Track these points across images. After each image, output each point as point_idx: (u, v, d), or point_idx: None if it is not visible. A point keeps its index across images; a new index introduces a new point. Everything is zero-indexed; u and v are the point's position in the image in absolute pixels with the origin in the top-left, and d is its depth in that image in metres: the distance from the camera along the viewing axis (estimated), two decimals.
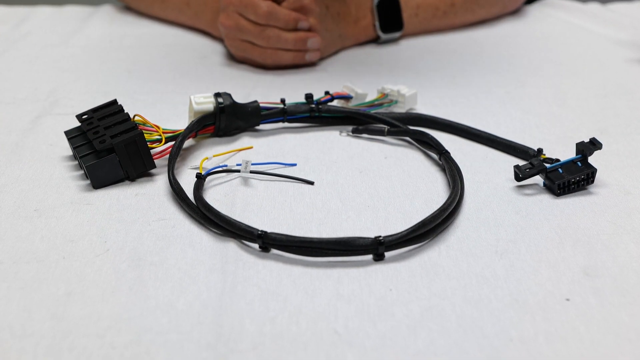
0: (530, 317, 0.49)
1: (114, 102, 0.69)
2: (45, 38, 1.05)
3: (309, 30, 0.92)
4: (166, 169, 0.65)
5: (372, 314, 0.49)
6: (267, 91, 0.86)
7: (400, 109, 0.80)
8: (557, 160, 0.65)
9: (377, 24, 1.02)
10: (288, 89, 0.87)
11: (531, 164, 0.64)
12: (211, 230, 0.58)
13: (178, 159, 0.68)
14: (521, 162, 0.66)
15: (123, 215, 0.60)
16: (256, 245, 0.56)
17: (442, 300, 0.50)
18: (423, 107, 0.81)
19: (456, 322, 0.48)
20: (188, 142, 0.72)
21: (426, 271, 0.53)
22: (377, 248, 0.54)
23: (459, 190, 0.61)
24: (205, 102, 0.72)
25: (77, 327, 0.47)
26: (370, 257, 0.55)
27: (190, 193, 0.61)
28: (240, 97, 0.79)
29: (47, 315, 0.48)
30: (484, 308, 0.49)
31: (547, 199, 0.63)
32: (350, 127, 0.76)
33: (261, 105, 0.75)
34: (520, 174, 0.64)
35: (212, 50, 1.00)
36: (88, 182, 0.64)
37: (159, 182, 0.65)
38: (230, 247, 0.56)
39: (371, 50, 1.02)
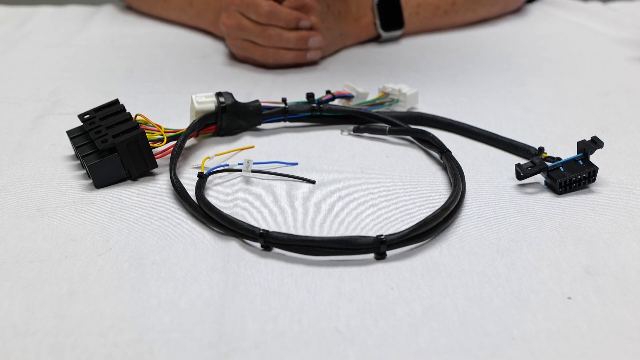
0: (532, 316, 0.49)
1: (116, 101, 0.69)
2: (47, 38, 1.05)
3: (311, 29, 0.92)
4: (168, 168, 0.65)
5: (373, 312, 0.49)
6: (268, 90, 0.86)
7: (401, 108, 0.80)
8: (559, 158, 0.65)
9: (377, 22, 1.02)
10: (289, 88, 0.87)
11: (532, 163, 0.64)
12: (213, 230, 0.58)
13: (180, 159, 0.68)
14: (522, 161, 0.66)
15: (125, 215, 0.60)
16: (258, 245, 0.56)
17: (443, 299, 0.50)
18: (424, 106, 0.81)
19: (458, 320, 0.48)
20: (190, 142, 0.72)
21: (428, 270, 0.53)
22: (378, 247, 0.54)
23: (460, 189, 0.62)
24: (207, 102, 0.72)
25: (79, 325, 0.47)
26: (371, 255, 0.55)
27: (192, 192, 0.61)
28: (242, 97, 0.79)
29: (49, 314, 0.48)
30: (485, 306, 0.50)
31: (548, 197, 0.63)
32: (351, 126, 0.76)
33: (262, 104, 0.75)
34: (521, 173, 0.64)
35: (213, 49, 1.00)
36: (90, 181, 0.65)
37: (161, 182, 0.65)
38: (232, 246, 0.56)
39: (372, 50, 1.02)
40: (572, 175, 0.63)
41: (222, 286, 0.51)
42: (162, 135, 0.67)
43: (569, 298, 0.50)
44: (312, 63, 0.95)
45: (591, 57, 0.99)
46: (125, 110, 0.68)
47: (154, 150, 0.66)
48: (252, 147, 0.72)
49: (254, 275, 0.53)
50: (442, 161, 0.68)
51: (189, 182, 0.64)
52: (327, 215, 0.61)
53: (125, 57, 0.97)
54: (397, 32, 1.04)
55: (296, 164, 0.69)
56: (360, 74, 0.93)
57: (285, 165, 0.69)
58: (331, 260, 0.54)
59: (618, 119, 0.79)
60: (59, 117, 0.78)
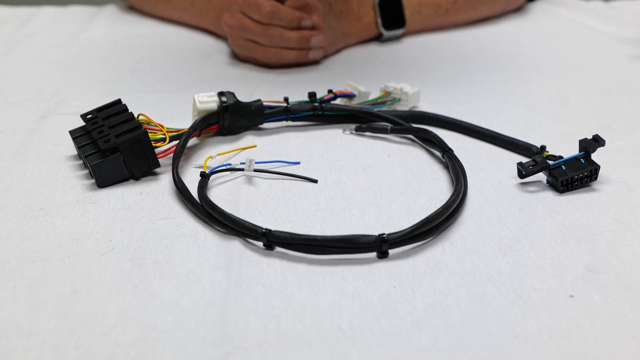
0: (534, 314, 0.49)
1: (118, 101, 0.70)
2: (50, 38, 1.05)
3: (312, 28, 0.92)
4: (170, 167, 0.65)
5: (376, 311, 0.49)
6: (270, 90, 0.86)
7: (403, 107, 0.80)
8: (560, 157, 0.65)
9: (379, 21, 1.02)
10: (291, 87, 0.87)
11: (534, 161, 0.64)
12: (215, 229, 0.58)
13: (182, 158, 0.68)
14: (524, 160, 0.66)
15: (128, 214, 0.60)
16: (260, 244, 0.56)
17: (445, 297, 0.50)
18: (426, 105, 0.81)
19: (460, 319, 0.48)
20: (192, 141, 0.72)
21: (430, 268, 0.53)
22: (381, 246, 0.54)
23: (462, 187, 0.62)
24: (209, 101, 0.72)
25: (82, 325, 0.47)
26: (374, 254, 0.55)
27: (194, 192, 0.62)
28: (244, 96, 0.79)
29: (53, 313, 0.48)
30: (487, 305, 0.50)
31: (550, 196, 0.63)
32: (353, 126, 0.76)
33: (265, 104, 0.75)
34: (523, 171, 0.64)
35: (215, 49, 1.00)
36: (93, 181, 0.65)
37: (164, 181, 0.65)
38: (235, 246, 0.56)
39: (374, 49, 1.02)
40: (574, 173, 0.63)
41: (225, 285, 0.51)
42: (164, 134, 0.67)
43: (571, 296, 0.50)
44: (314, 62, 0.95)
45: (592, 56, 0.99)
46: (127, 110, 0.68)
47: (157, 150, 0.66)
48: (254, 146, 0.72)
49: (256, 275, 0.53)
50: (444, 160, 0.68)
51: (192, 181, 0.64)
52: (329, 214, 0.61)
53: (128, 57, 0.97)
54: (399, 31, 1.04)
55: (298, 163, 0.69)
56: (362, 73, 0.93)
57: (287, 164, 0.69)
58: (333, 259, 0.54)
59: (619, 118, 0.79)
60: (62, 117, 0.78)
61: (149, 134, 0.65)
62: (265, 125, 0.76)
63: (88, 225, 0.58)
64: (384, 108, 0.79)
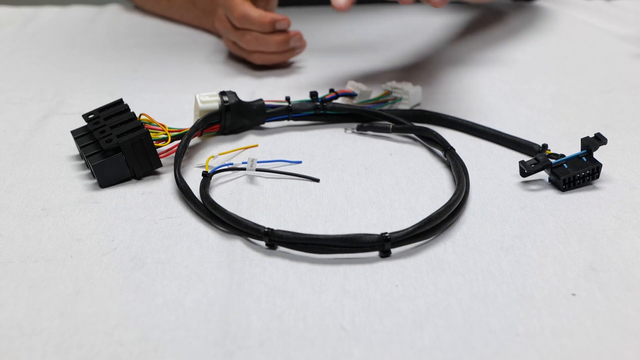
0: (537, 312, 0.49)
1: (120, 101, 0.70)
2: (51, 38, 1.05)
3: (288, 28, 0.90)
4: (172, 167, 0.65)
5: (378, 309, 0.49)
6: (271, 89, 0.86)
7: (404, 105, 0.80)
8: (562, 155, 0.65)
9: None
10: (293, 87, 0.87)
11: (536, 160, 0.64)
12: (218, 228, 0.58)
13: (184, 158, 0.68)
14: (526, 158, 0.66)
15: (130, 214, 0.60)
16: (263, 243, 0.56)
17: (448, 296, 0.50)
18: (427, 104, 0.81)
19: (462, 317, 0.48)
20: (194, 141, 0.72)
21: (432, 267, 0.53)
22: (383, 245, 0.54)
23: (465, 186, 0.62)
24: (211, 101, 0.72)
25: (85, 325, 0.48)
26: (376, 253, 0.55)
27: (196, 191, 0.62)
28: (246, 96, 0.79)
29: (55, 313, 0.49)
30: (490, 303, 0.50)
31: (552, 194, 0.63)
32: (355, 125, 0.76)
33: (266, 103, 0.75)
34: (525, 170, 0.64)
35: (217, 49, 1.00)
36: (95, 181, 0.65)
37: (166, 181, 0.65)
38: (237, 245, 0.56)
39: (375, 48, 1.02)
40: (576, 172, 0.63)
41: (227, 284, 0.52)
42: (166, 134, 0.67)
43: (573, 294, 0.50)
44: (314, 63, 0.95)
45: (594, 54, 0.99)
46: (129, 109, 0.68)
47: (158, 150, 0.66)
48: (256, 145, 0.72)
49: (258, 274, 0.53)
50: (445, 159, 0.68)
51: (194, 181, 0.64)
52: (331, 213, 0.61)
53: (129, 57, 0.97)
54: None
55: (300, 162, 0.69)
56: (364, 72, 0.93)
57: (289, 163, 0.69)
58: (336, 258, 0.54)
59: (621, 116, 0.79)
60: (64, 117, 0.78)
61: (151, 133, 0.65)
62: (266, 124, 0.76)
63: (90, 225, 0.59)
64: (386, 107, 0.79)
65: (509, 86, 0.87)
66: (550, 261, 0.54)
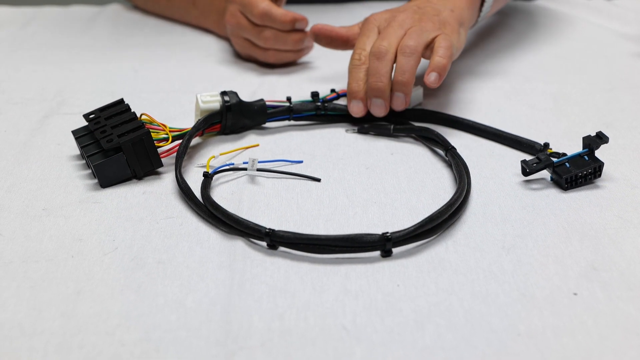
0: (538, 312, 0.49)
1: (121, 101, 0.70)
2: (52, 38, 1.05)
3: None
4: (173, 167, 0.65)
5: (379, 309, 0.49)
6: (273, 89, 0.86)
7: None
8: (564, 154, 0.65)
9: None
10: (294, 87, 0.87)
11: (538, 159, 0.64)
12: (219, 228, 0.58)
13: (185, 158, 0.68)
14: (528, 157, 0.66)
15: (131, 214, 0.60)
16: (264, 243, 0.56)
17: (449, 296, 0.50)
18: (428, 103, 0.81)
19: (464, 317, 0.48)
20: (195, 141, 0.72)
21: (433, 267, 0.53)
22: (384, 244, 0.54)
23: (466, 185, 0.62)
24: (212, 101, 0.72)
25: (86, 325, 0.48)
26: (377, 253, 0.55)
27: (197, 191, 0.62)
28: (247, 96, 0.79)
29: (56, 313, 0.49)
30: (491, 303, 0.50)
31: (553, 193, 0.63)
32: (356, 126, 0.76)
33: (267, 103, 0.75)
34: (527, 169, 0.64)
35: (218, 48, 1.00)
36: (96, 181, 0.65)
37: (166, 181, 0.65)
38: (238, 245, 0.56)
39: None
40: (578, 170, 0.63)
41: (228, 284, 0.52)
42: (167, 134, 0.67)
43: (575, 294, 0.50)
44: (316, 63, 0.95)
45: (595, 53, 0.99)
46: (130, 109, 0.68)
47: (159, 150, 0.66)
48: (257, 145, 0.72)
49: (259, 274, 0.53)
50: (447, 158, 0.68)
51: (195, 181, 0.64)
52: (332, 213, 0.61)
53: (130, 57, 0.97)
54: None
55: (301, 162, 0.69)
56: None
57: (290, 163, 0.69)
58: (337, 258, 0.54)
59: (622, 115, 0.79)
60: (64, 117, 0.78)
61: (152, 133, 0.65)
62: (267, 124, 0.76)
63: (91, 225, 0.59)
64: None
65: (509, 85, 0.87)
66: (551, 260, 0.54)
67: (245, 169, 0.66)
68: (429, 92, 0.84)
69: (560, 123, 0.77)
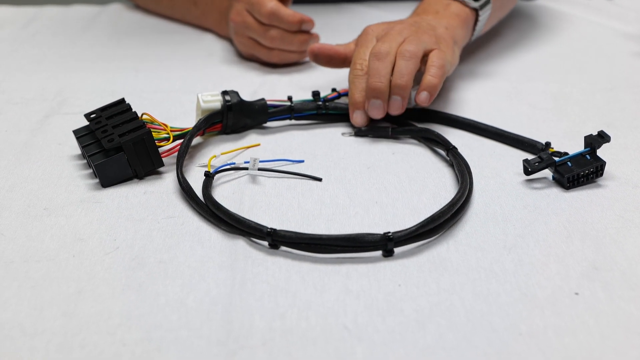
0: (539, 311, 0.49)
1: (122, 101, 0.70)
2: (53, 38, 1.05)
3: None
4: (174, 167, 0.65)
5: (381, 309, 0.49)
6: (274, 89, 0.86)
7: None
8: (565, 153, 0.65)
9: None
10: (295, 86, 0.87)
11: (540, 158, 0.64)
12: (220, 228, 0.58)
13: (186, 157, 0.68)
14: (529, 156, 0.66)
15: (132, 213, 0.60)
16: (265, 243, 0.56)
17: (450, 295, 0.50)
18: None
19: (465, 316, 0.48)
20: (196, 140, 0.72)
21: (435, 266, 0.53)
22: (386, 244, 0.54)
23: (467, 185, 0.62)
24: (213, 100, 0.72)
25: (87, 324, 0.48)
26: (379, 253, 0.55)
27: (198, 191, 0.62)
28: (248, 95, 0.79)
29: (58, 313, 0.49)
30: (493, 302, 0.50)
31: (555, 192, 0.63)
32: (353, 129, 0.75)
33: (268, 102, 0.75)
34: (529, 168, 0.64)
35: (219, 48, 1.00)
36: (97, 180, 0.65)
37: (168, 180, 0.65)
38: (239, 244, 0.56)
39: None
40: (580, 170, 0.63)
41: (230, 284, 0.52)
42: (168, 134, 0.67)
43: (576, 294, 0.50)
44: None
45: (596, 53, 0.99)
46: (131, 109, 0.68)
47: (160, 149, 0.66)
48: (258, 145, 0.72)
49: (261, 273, 0.53)
50: (448, 158, 0.68)
51: (196, 180, 0.64)
52: (333, 212, 0.61)
53: (131, 56, 0.97)
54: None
55: (302, 161, 0.69)
56: None
57: (291, 163, 0.69)
58: (338, 258, 0.54)
59: (623, 114, 0.79)
60: (65, 116, 0.78)
61: (153, 133, 0.65)
62: (269, 124, 0.76)
63: (92, 225, 0.59)
64: None
65: (510, 84, 0.87)
66: (553, 260, 0.54)
67: (246, 169, 0.66)
68: None
69: (561, 122, 0.77)
